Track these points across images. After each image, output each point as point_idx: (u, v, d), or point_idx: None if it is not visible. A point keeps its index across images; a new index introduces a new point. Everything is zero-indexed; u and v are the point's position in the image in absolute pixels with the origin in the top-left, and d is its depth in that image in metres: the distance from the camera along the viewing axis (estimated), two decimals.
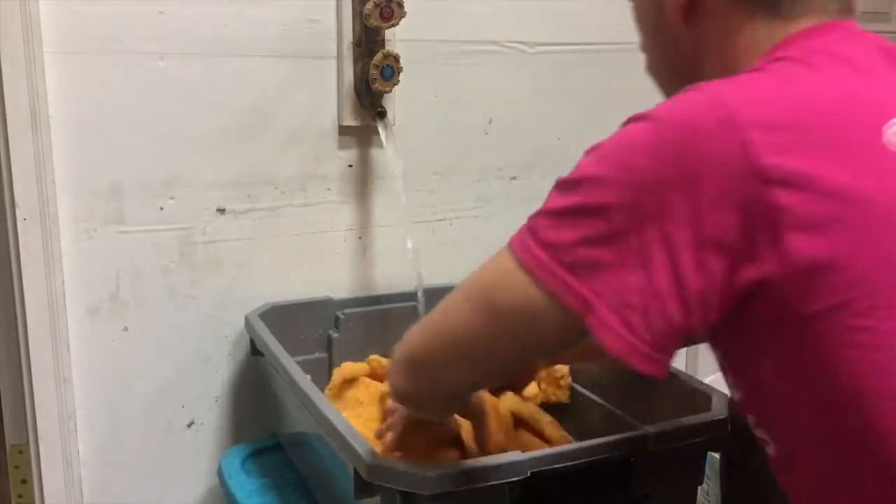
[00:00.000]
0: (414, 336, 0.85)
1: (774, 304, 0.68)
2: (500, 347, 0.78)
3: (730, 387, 0.83)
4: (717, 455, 1.26)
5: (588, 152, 0.73)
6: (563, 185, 0.73)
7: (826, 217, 0.66)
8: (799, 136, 0.68)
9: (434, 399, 0.91)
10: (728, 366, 0.80)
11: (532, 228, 0.74)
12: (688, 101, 0.71)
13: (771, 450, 0.80)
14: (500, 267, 0.75)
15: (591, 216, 0.70)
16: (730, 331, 0.74)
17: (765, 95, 0.70)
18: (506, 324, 0.76)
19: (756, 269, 0.67)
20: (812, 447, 0.74)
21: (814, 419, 0.72)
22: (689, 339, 0.74)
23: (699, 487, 1.14)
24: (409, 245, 1.42)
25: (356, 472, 0.94)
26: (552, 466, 0.95)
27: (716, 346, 0.80)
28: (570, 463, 0.96)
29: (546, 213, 0.73)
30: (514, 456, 0.93)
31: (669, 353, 0.72)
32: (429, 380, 0.85)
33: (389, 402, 1.14)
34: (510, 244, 0.75)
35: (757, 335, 0.72)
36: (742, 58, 0.79)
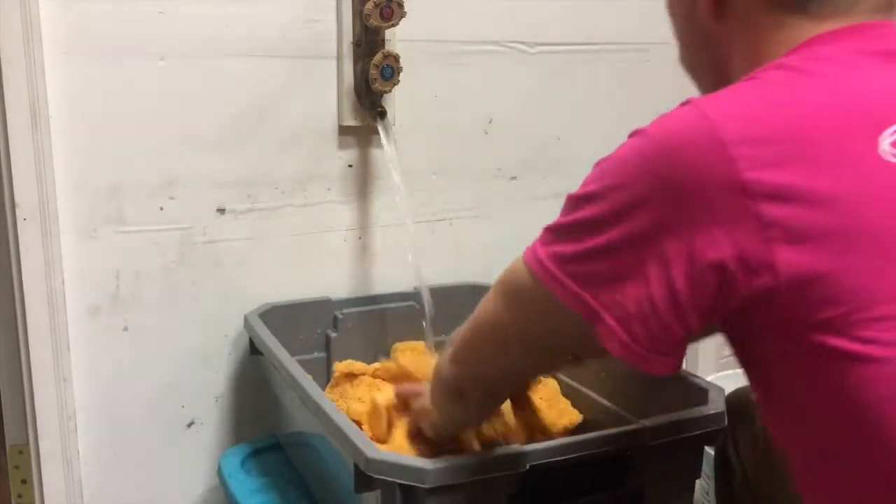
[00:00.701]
0: (457, 333, 0.93)
1: (775, 315, 0.69)
2: (518, 345, 0.86)
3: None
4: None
5: (594, 167, 0.75)
6: (569, 201, 0.76)
7: (815, 229, 0.66)
8: (784, 149, 0.67)
9: (475, 392, 0.96)
10: (742, 367, 0.79)
11: (543, 241, 0.77)
12: (676, 117, 0.71)
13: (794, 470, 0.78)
14: (515, 279, 0.81)
15: (592, 231, 0.73)
16: (740, 338, 0.75)
17: (750, 109, 0.70)
18: (521, 326, 0.83)
19: (749, 283, 0.68)
20: (816, 460, 0.74)
21: (820, 433, 0.71)
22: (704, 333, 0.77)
23: (699, 487, 1.14)
24: (409, 246, 1.42)
25: (356, 466, 0.94)
26: (550, 460, 0.95)
27: (733, 348, 0.79)
28: (567, 456, 0.96)
29: (555, 228, 0.77)
30: (513, 449, 0.94)
31: (675, 354, 0.75)
32: (470, 369, 0.93)
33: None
34: (524, 257, 0.79)
35: (763, 344, 0.72)
36: (766, 58, 0.77)
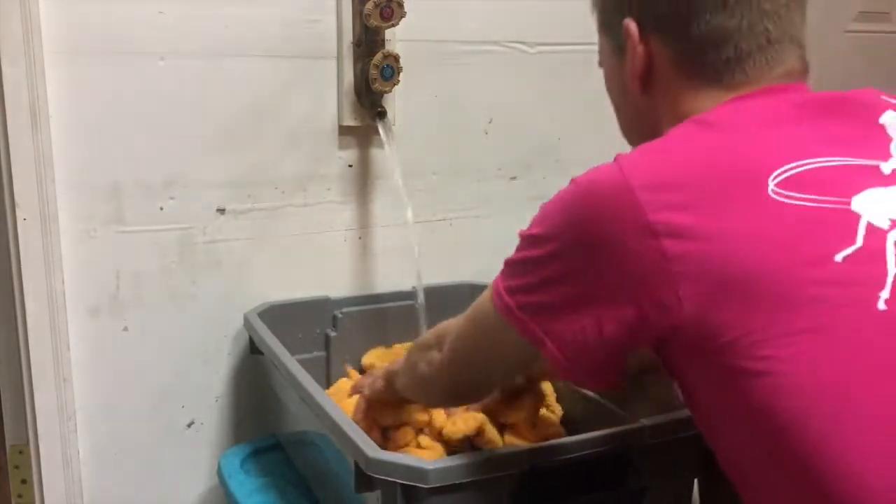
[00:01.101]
0: (441, 333, 1.02)
1: (686, 343, 0.75)
2: (487, 361, 0.94)
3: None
4: None
5: (540, 208, 0.83)
6: (521, 239, 0.84)
7: (709, 263, 0.72)
8: (684, 194, 0.74)
9: (444, 391, 1.05)
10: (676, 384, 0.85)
11: (503, 274, 0.86)
12: (599, 169, 0.79)
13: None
14: (483, 305, 0.89)
15: (535, 269, 0.82)
16: (667, 363, 0.81)
17: (656, 159, 0.78)
18: (488, 344, 0.91)
19: (661, 316, 0.75)
20: (747, 472, 0.78)
21: (737, 440, 0.77)
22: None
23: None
24: (409, 245, 1.43)
25: (357, 465, 0.95)
26: (551, 459, 0.95)
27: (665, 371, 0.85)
28: (569, 455, 0.96)
29: (510, 263, 0.85)
30: (514, 448, 0.94)
31: (612, 373, 0.84)
32: (454, 376, 1.00)
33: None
34: (491, 287, 0.87)
35: (683, 369, 0.79)
36: None
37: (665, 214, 0.74)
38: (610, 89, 0.99)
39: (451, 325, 0.99)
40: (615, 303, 0.77)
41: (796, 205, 0.74)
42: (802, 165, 0.76)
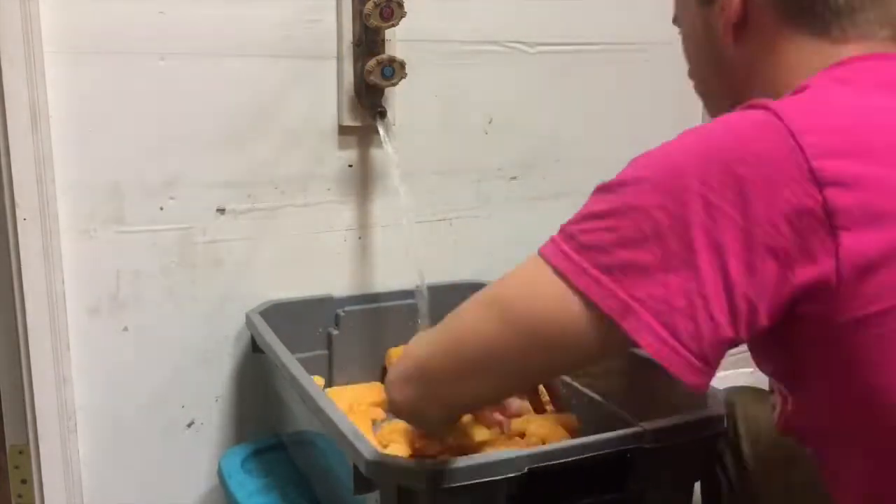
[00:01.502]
0: (420, 347, 0.83)
1: (824, 307, 0.67)
2: (523, 362, 0.75)
3: (774, 403, 0.81)
4: None
5: (632, 162, 0.72)
6: (602, 189, 0.72)
7: (879, 216, 0.66)
8: (849, 140, 0.68)
9: (436, 412, 0.89)
10: (777, 379, 0.78)
11: (568, 233, 0.72)
12: (739, 113, 0.71)
13: (823, 468, 0.78)
14: (528, 275, 0.73)
15: (632, 216, 0.68)
16: (777, 341, 0.72)
17: (813, 106, 0.71)
18: (533, 337, 0.73)
19: (809, 271, 0.66)
20: (859, 461, 0.73)
21: (862, 433, 0.71)
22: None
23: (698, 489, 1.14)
24: (409, 245, 1.42)
25: (355, 467, 0.95)
26: (549, 463, 0.95)
27: (767, 359, 0.78)
28: (567, 459, 0.96)
29: (584, 217, 0.71)
30: (512, 452, 0.94)
31: (712, 366, 0.69)
32: (434, 393, 0.84)
33: None
34: (541, 251, 0.73)
35: (804, 343, 0.71)
36: (791, 79, 0.78)
37: (832, 161, 0.66)
38: (687, 34, 0.90)
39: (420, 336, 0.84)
40: (752, 255, 0.66)
41: None
42: None
